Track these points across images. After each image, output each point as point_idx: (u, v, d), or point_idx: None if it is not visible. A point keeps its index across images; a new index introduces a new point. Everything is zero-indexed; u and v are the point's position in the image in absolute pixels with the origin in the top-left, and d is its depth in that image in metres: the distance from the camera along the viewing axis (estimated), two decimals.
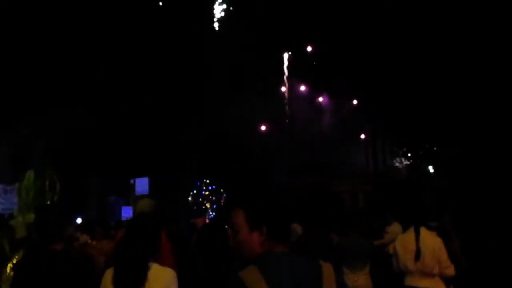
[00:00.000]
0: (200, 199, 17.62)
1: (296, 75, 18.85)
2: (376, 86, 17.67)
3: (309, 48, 18.67)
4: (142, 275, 2.75)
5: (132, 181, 17.29)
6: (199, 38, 17.19)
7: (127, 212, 17.25)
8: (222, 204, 17.86)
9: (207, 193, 17.77)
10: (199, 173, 18.55)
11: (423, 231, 4.80)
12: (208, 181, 17.94)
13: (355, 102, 19.10)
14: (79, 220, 17.22)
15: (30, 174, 10.47)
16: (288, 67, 18.94)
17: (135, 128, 17.54)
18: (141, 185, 17.34)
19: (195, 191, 17.89)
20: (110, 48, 15.58)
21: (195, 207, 17.30)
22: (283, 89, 19.01)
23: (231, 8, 17.85)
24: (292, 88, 18.72)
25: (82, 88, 15.50)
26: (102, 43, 15.36)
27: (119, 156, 17.53)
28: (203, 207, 17.38)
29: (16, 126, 15.14)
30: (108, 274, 2.81)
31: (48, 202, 10.19)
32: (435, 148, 19.35)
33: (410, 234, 4.85)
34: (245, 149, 18.10)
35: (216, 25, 17.88)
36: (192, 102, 18.13)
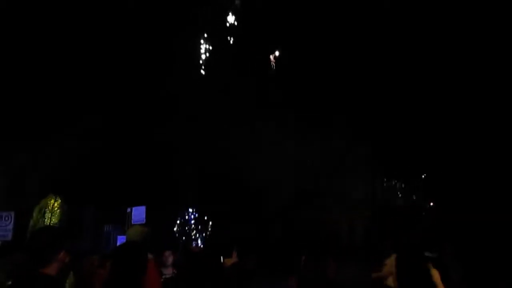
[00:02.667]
0: (187, 228, 17.41)
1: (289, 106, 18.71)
2: (374, 120, 17.72)
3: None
4: None
5: (128, 209, 17.13)
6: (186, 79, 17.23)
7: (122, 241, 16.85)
8: (208, 233, 17.64)
9: (193, 221, 17.58)
10: (192, 203, 18.42)
11: None
12: (191, 210, 17.77)
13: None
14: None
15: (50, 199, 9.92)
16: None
17: (133, 157, 17.50)
18: (138, 213, 17.11)
19: (178, 221, 17.69)
20: (106, 73, 15.58)
21: (183, 237, 17.10)
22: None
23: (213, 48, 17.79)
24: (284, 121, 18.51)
25: (79, 117, 15.44)
26: (94, 69, 15.33)
27: (116, 185, 17.42)
28: (193, 237, 17.18)
29: (10, 156, 15.03)
30: None
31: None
32: (428, 178, 19.32)
33: None
34: (239, 182, 17.97)
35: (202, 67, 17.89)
36: (183, 135, 18.18)
